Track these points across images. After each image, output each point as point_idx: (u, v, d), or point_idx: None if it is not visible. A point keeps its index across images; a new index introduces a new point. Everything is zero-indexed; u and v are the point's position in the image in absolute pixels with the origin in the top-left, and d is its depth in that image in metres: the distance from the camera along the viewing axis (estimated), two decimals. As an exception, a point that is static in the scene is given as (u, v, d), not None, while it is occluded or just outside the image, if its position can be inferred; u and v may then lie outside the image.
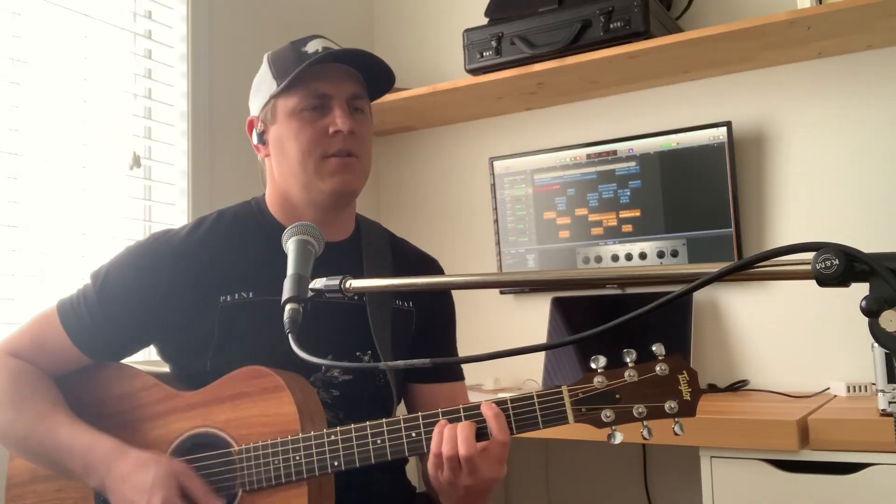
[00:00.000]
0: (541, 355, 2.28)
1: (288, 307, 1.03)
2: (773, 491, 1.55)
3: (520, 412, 1.08)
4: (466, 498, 1.12)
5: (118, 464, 1.15)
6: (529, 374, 2.30)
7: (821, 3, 1.88)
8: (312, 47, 1.31)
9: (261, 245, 1.32)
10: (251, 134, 1.37)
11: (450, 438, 1.07)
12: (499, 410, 1.08)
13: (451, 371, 1.44)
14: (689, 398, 1.04)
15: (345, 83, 1.31)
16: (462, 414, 1.10)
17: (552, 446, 2.44)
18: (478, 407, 1.09)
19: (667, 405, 1.04)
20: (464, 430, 1.07)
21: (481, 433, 1.08)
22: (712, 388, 2.12)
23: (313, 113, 1.29)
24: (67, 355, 1.27)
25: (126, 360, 1.32)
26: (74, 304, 1.28)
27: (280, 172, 1.33)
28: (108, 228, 1.91)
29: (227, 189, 2.12)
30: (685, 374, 1.05)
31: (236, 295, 1.27)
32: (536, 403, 1.08)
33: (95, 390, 1.28)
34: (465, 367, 1.48)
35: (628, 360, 1.05)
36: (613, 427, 1.05)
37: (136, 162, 1.99)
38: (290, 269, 1.07)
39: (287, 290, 1.04)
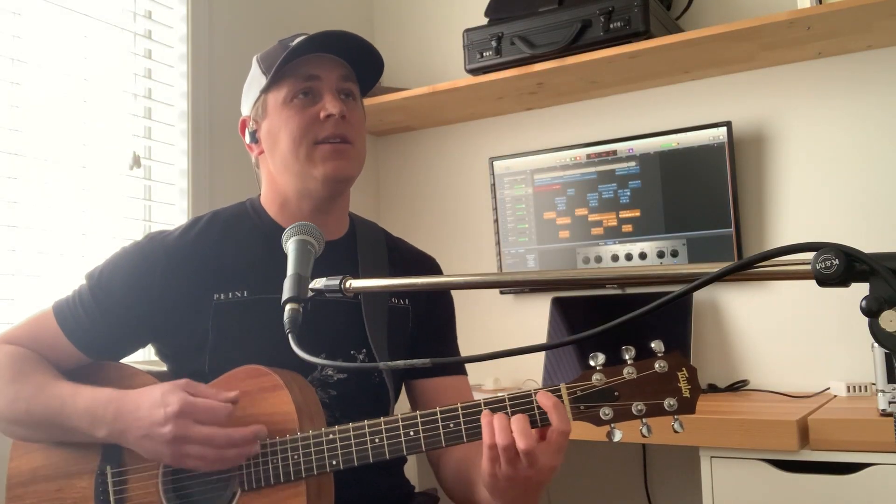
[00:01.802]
0: (541, 355, 2.28)
1: (288, 307, 1.03)
2: (773, 491, 1.55)
3: (518, 410, 1.07)
4: (525, 494, 1.09)
5: (124, 402, 1.15)
6: (529, 374, 2.30)
7: (821, 3, 1.88)
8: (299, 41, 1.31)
9: (255, 244, 1.32)
10: (244, 134, 1.38)
11: (503, 429, 1.03)
12: (557, 400, 1.05)
13: (452, 365, 1.43)
14: (688, 395, 1.03)
15: (334, 68, 1.32)
16: (460, 412, 1.09)
17: (552, 446, 2.43)
18: (478, 405, 1.08)
19: (666, 402, 1.03)
20: (518, 422, 1.03)
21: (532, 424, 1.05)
22: (712, 388, 2.12)
23: (303, 100, 1.29)
24: (65, 352, 1.27)
25: (125, 360, 1.32)
26: (70, 304, 1.28)
27: (274, 166, 1.33)
28: (108, 228, 1.91)
29: (226, 189, 2.11)
30: (685, 371, 1.04)
31: (230, 294, 1.27)
32: (535, 401, 1.07)
33: (95, 390, 1.28)
34: (465, 366, 1.48)
35: (627, 357, 1.05)
36: (612, 425, 1.04)
37: (136, 162, 1.99)
38: (290, 268, 1.07)
39: (287, 290, 1.04)
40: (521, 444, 1.02)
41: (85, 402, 1.17)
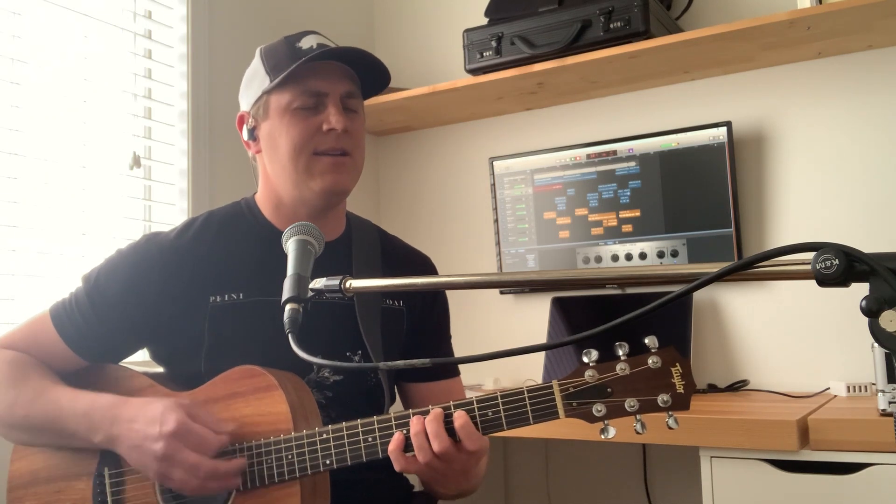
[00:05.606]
0: (541, 355, 2.28)
1: (288, 307, 1.02)
2: (773, 491, 1.55)
3: (510, 407, 1.07)
4: (463, 474, 1.14)
5: (123, 410, 1.15)
6: (529, 374, 2.30)
7: (821, 3, 1.88)
8: (307, 43, 1.30)
9: (251, 246, 1.31)
10: (241, 129, 1.36)
11: (421, 447, 1.07)
12: (465, 421, 1.07)
13: (446, 368, 1.43)
14: (682, 391, 1.02)
15: (340, 81, 1.30)
16: (453, 410, 1.09)
17: (552, 446, 2.43)
18: (471, 403, 1.09)
19: (659, 398, 1.02)
20: (432, 425, 1.07)
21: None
22: (712, 388, 2.12)
23: (306, 110, 1.28)
24: (62, 356, 1.27)
25: (123, 362, 1.32)
26: (67, 307, 1.28)
27: (271, 170, 1.33)
28: (108, 228, 1.91)
29: (226, 189, 2.11)
30: (678, 367, 1.03)
31: (226, 296, 1.27)
32: (527, 398, 1.07)
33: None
34: (465, 366, 1.48)
35: (620, 352, 1.04)
36: (605, 422, 1.04)
37: (136, 162, 1.99)
38: (291, 269, 1.06)
39: (287, 290, 1.04)
40: (435, 446, 1.06)
41: (83, 407, 1.17)
